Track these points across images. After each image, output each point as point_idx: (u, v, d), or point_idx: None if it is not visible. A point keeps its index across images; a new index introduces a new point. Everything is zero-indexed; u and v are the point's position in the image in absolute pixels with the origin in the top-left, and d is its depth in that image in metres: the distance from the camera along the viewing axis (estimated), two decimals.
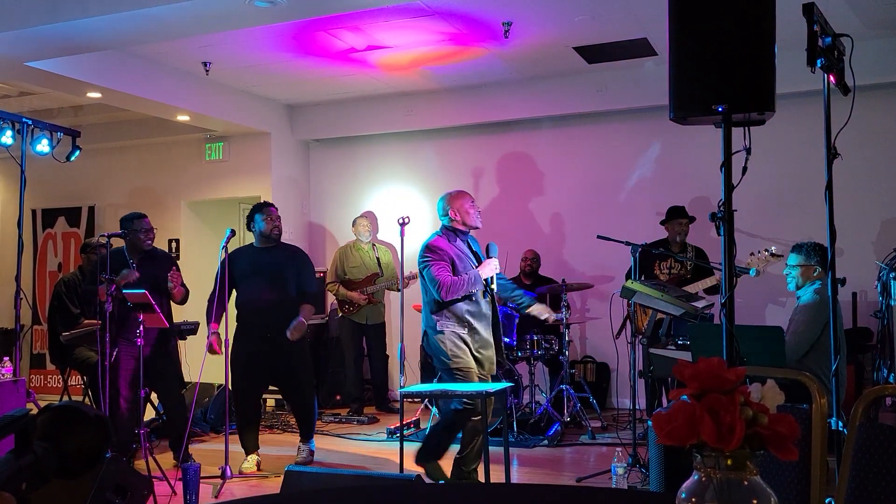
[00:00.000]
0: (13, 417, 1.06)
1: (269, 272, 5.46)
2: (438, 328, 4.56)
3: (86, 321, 6.14)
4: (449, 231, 4.66)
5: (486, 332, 4.66)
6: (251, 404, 5.60)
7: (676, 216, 6.47)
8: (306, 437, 5.63)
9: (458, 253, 4.58)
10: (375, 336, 7.75)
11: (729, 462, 1.12)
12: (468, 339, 4.57)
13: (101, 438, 1.21)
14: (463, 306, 4.56)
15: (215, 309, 5.36)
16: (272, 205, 5.65)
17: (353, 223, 7.96)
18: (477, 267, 4.60)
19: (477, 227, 4.71)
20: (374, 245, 7.88)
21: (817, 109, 3.48)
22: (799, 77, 4.03)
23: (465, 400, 4.41)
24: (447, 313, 4.56)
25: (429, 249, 4.55)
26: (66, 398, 6.57)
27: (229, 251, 5.49)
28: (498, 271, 4.68)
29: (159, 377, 5.42)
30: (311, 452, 5.60)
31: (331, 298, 8.54)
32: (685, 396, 1.15)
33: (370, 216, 8.13)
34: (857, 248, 6.78)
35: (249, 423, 5.54)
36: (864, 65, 3.53)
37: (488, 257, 4.65)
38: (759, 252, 5.21)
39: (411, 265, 7.85)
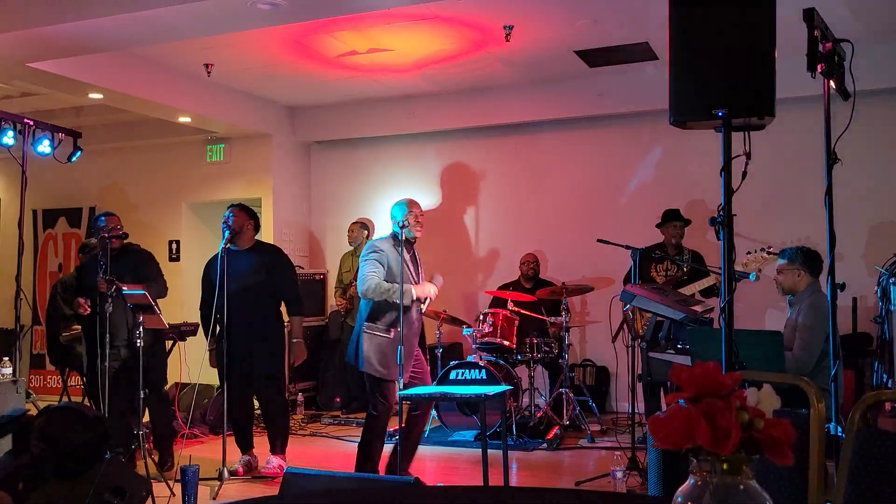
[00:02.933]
0: (10, 417, 1.06)
1: (237, 276, 5.24)
2: (366, 330, 4.70)
3: (77, 324, 6.11)
4: (395, 237, 4.79)
5: (410, 341, 4.77)
6: (238, 403, 5.42)
7: (671, 219, 6.43)
8: (275, 449, 5.42)
9: (398, 259, 4.68)
10: None
11: (725, 466, 1.12)
12: (392, 346, 4.65)
13: (99, 439, 1.21)
14: (392, 312, 4.66)
15: (206, 319, 5.30)
16: (236, 204, 5.46)
17: (349, 229, 8.05)
18: (414, 283, 4.77)
19: (416, 237, 4.86)
20: None
21: (817, 114, 3.48)
22: (799, 82, 4.03)
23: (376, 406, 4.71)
24: (378, 315, 4.70)
25: (371, 248, 4.76)
26: (65, 398, 6.58)
27: (211, 255, 5.47)
28: (431, 299, 4.88)
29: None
30: (281, 466, 5.31)
31: (330, 301, 8.58)
32: (682, 400, 1.16)
33: (364, 221, 8.14)
34: (857, 253, 6.78)
35: (239, 422, 5.46)
36: (864, 70, 3.53)
37: (431, 282, 4.89)
38: (756, 251, 5.18)
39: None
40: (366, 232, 8.01)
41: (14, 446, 1.02)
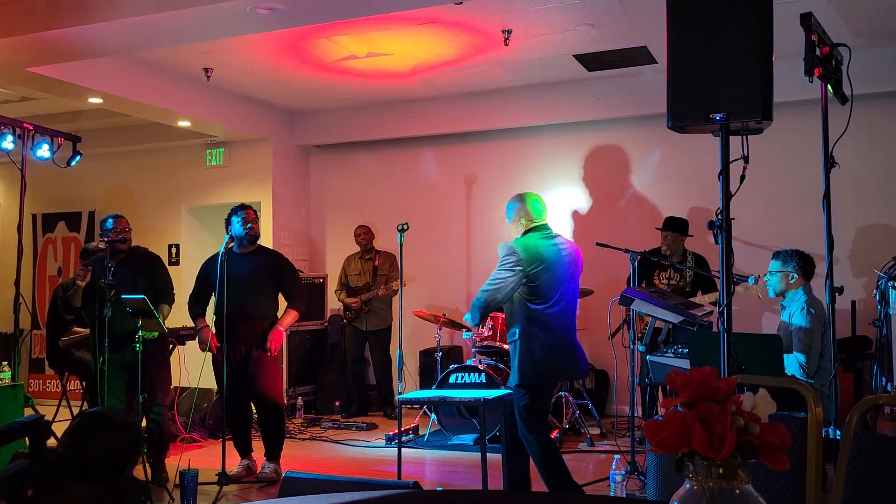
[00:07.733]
0: (22, 422, 1.06)
1: (243, 278, 5.24)
2: (516, 336, 4.22)
3: (76, 328, 6.10)
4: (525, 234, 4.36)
5: (563, 338, 4.25)
6: (236, 408, 5.41)
7: (665, 228, 6.35)
8: (270, 455, 5.41)
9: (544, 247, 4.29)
10: (377, 342, 7.81)
11: (720, 471, 1.12)
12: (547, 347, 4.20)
13: (128, 445, 1.20)
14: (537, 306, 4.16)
15: (196, 306, 5.40)
16: (249, 206, 5.48)
17: (355, 233, 8.01)
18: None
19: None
20: (377, 253, 7.91)
21: (815, 118, 3.49)
22: (797, 86, 4.04)
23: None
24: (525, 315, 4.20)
25: (510, 250, 4.24)
26: (64, 403, 6.58)
27: (209, 256, 5.50)
28: None
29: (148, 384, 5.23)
30: (276, 471, 5.29)
31: (330, 305, 8.59)
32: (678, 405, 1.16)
33: (370, 225, 8.14)
34: (855, 257, 6.78)
35: (237, 426, 5.46)
36: (858, 74, 3.54)
37: None
38: (764, 277, 5.16)
39: (410, 271, 7.89)
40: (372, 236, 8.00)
41: (30, 452, 1.02)
